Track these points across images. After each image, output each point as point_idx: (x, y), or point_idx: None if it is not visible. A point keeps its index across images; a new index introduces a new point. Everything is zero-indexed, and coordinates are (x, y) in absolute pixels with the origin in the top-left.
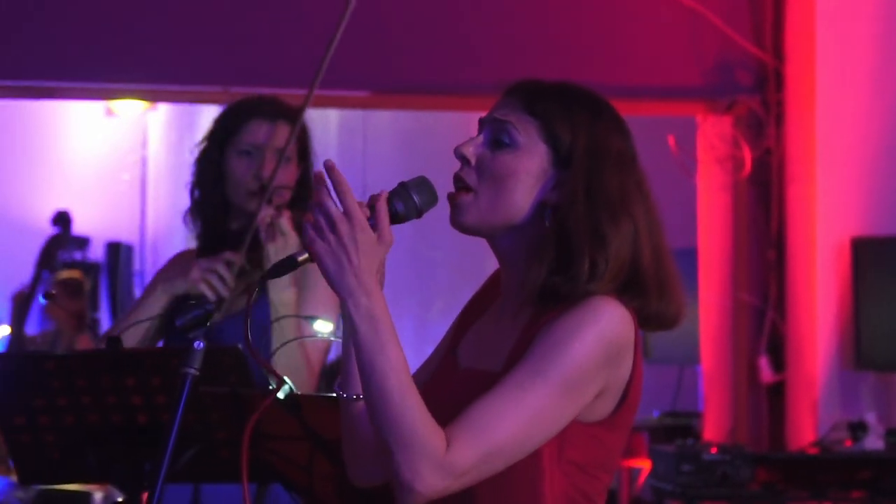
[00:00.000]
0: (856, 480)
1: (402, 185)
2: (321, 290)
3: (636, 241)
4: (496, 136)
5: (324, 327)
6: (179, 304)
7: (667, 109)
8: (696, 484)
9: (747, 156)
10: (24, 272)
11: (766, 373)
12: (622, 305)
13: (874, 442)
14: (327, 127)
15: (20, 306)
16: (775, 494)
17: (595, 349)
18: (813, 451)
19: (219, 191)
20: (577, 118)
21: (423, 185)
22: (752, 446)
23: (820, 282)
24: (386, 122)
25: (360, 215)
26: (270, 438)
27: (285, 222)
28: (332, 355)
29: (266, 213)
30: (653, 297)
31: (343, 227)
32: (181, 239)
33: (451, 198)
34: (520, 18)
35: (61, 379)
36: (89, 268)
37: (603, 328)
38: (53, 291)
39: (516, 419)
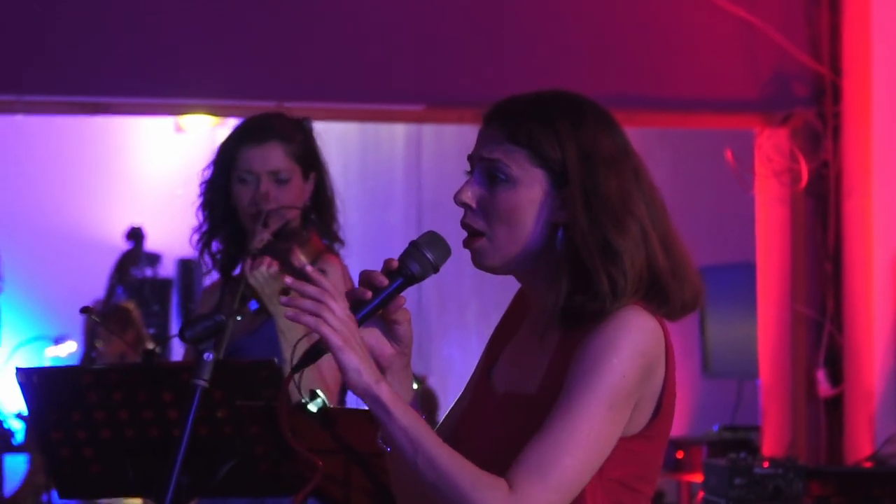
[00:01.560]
0: None
1: (413, 244)
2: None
3: (646, 239)
4: (490, 174)
5: None
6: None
7: (724, 122)
8: (749, 498)
9: (804, 168)
10: (94, 288)
11: (823, 386)
12: (649, 315)
13: None
14: (393, 141)
15: (91, 323)
16: None
17: (632, 364)
18: (867, 464)
19: (230, 214)
20: (560, 131)
21: (433, 240)
22: (810, 460)
23: (876, 294)
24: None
25: (355, 320)
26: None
27: (265, 271)
28: None
29: (259, 239)
30: (673, 290)
31: (357, 330)
32: None
33: (467, 245)
34: (576, 32)
35: (98, 393)
36: (161, 284)
37: (637, 341)
38: (92, 306)
39: (576, 448)
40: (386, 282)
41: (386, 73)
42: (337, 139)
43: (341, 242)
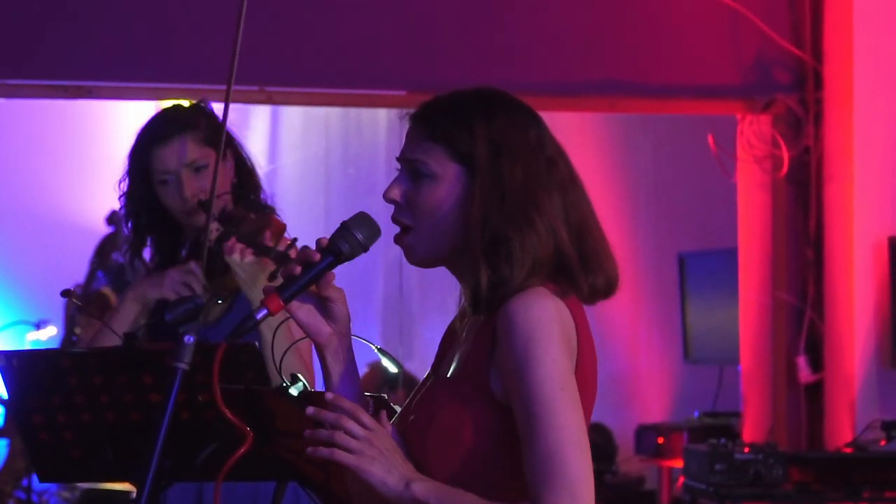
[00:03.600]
0: (890, 480)
1: (343, 225)
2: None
3: (553, 229)
4: (414, 171)
5: None
6: (168, 301)
7: (706, 108)
8: (729, 483)
9: (786, 155)
10: (76, 272)
11: (804, 372)
12: (552, 295)
13: None
14: (376, 127)
15: (72, 307)
16: (809, 494)
17: (554, 342)
18: (848, 450)
19: (162, 217)
20: (473, 128)
21: (363, 221)
22: (790, 446)
23: (857, 281)
24: None
25: (379, 426)
26: (286, 435)
27: (248, 258)
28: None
29: (210, 230)
30: (580, 276)
31: (378, 439)
32: None
33: (398, 241)
34: (559, 18)
35: (77, 376)
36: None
37: (546, 321)
38: (73, 289)
39: (564, 440)
40: (318, 257)
41: (368, 58)
42: (319, 125)
43: (272, 209)
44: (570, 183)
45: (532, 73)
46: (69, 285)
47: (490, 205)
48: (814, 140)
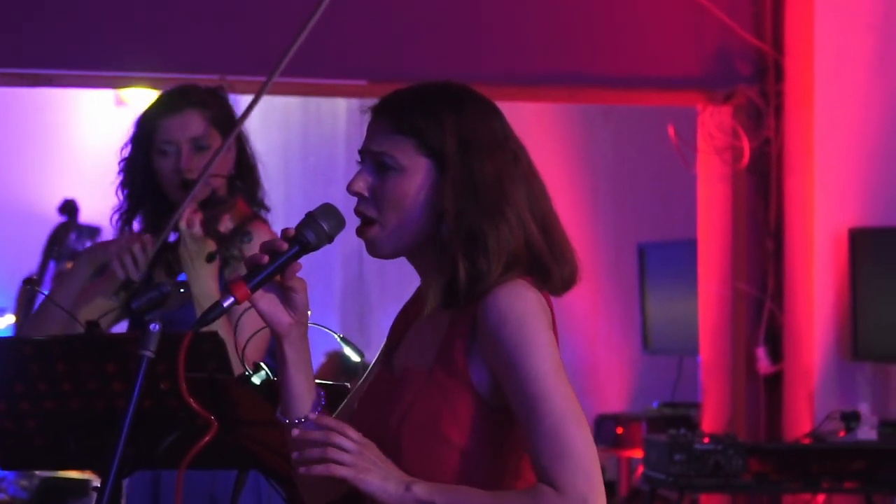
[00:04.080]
0: (849, 471)
1: (309, 215)
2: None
3: (523, 222)
4: (380, 164)
5: None
6: (136, 287)
7: (667, 99)
8: (689, 474)
9: (746, 146)
10: (31, 261)
11: (763, 363)
12: (532, 287)
13: (867, 433)
14: (336, 117)
15: (26, 295)
16: (768, 485)
17: (543, 328)
18: (806, 441)
19: (154, 190)
20: (443, 121)
21: (329, 211)
22: (749, 437)
23: (818, 272)
24: None
25: (366, 439)
26: (248, 424)
27: (196, 230)
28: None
29: (186, 210)
30: (553, 268)
31: (367, 450)
32: None
33: (360, 233)
34: (520, 9)
35: (40, 364)
36: None
37: (533, 310)
38: (33, 277)
39: (567, 419)
40: (286, 246)
41: (329, 47)
42: (279, 114)
43: (266, 209)
44: (531, 176)
45: (492, 63)
46: (24, 273)
47: (463, 199)
48: (774, 131)
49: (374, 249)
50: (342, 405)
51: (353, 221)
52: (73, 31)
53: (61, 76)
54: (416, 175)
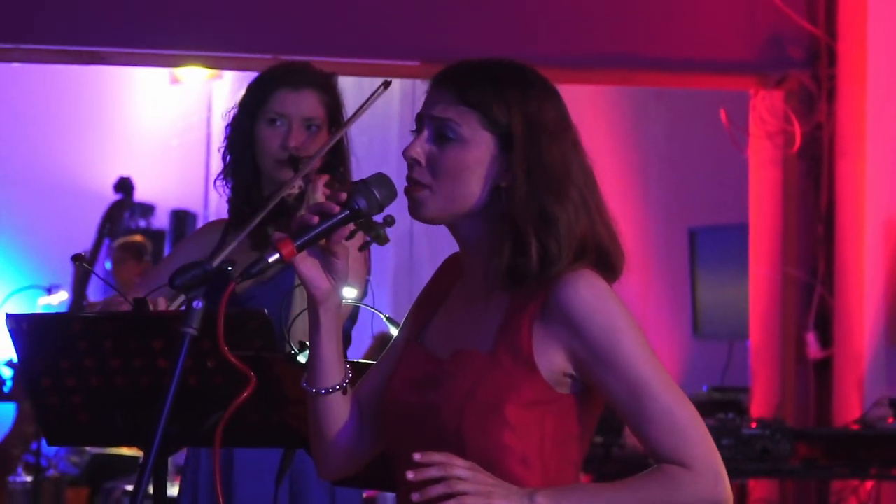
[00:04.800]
0: None
1: (362, 182)
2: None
3: (586, 206)
4: (440, 132)
5: (348, 293)
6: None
7: (719, 83)
8: (736, 458)
9: (797, 131)
10: (87, 238)
11: (813, 348)
12: (599, 276)
13: None
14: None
15: (81, 272)
16: (816, 470)
17: (628, 315)
18: (855, 427)
19: (249, 158)
20: (509, 98)
21: (382, 181)
22: (798, 422)
23: (868, 258)
24: None
25: (473, 463)
26: (294, 403)
27: (319, 192)
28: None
29: (295, 186)
30: (615, 255)
31: (480, 473)
32: None
33: (408, 192)
34: None
35: (88, 340)
36: (154, 235)
37: (614, 298)
38: (83, 254)
39: (674, 400)
40: (337, 209)
41: (382, 28)
42: None
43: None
44: (588, 165)
45: (546, 44)
46: (79, 250)
47: (533, 180)
48: (826, 116)
49: (418, 210)
50: (362, 380)
51: (402, 200)
52: (129, 10)
53: (116, 54)
54: (476, 148)
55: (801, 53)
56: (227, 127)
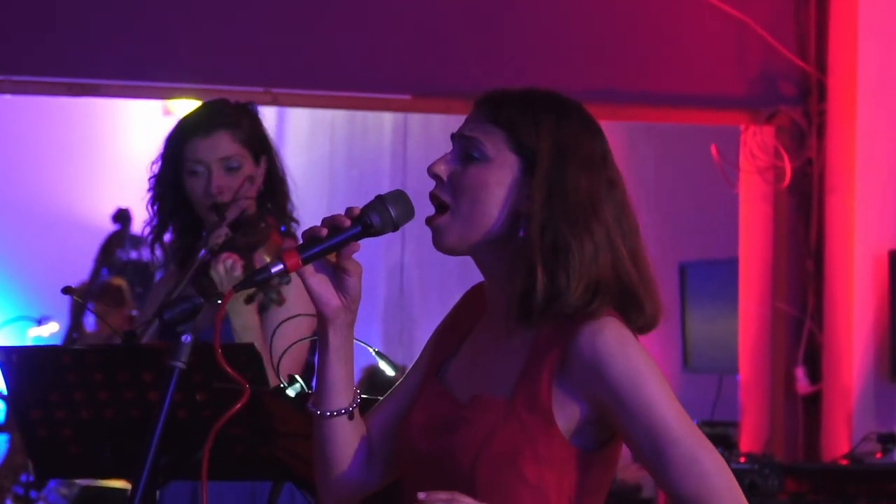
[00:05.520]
0: (885, 493)
1: (378, 198)
2: (295, 297)
3: (612, 245)
4: (466, 152)
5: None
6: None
7: (710, 118)
8: None
9: (788, 166)
10: (77, 269)
11: (802, 383)
12: (622, 324)
13: None
14: (381, 130)
15: (78, 303)
16: None
17: (653, 364)
18: (844, 462)
19: (180, 205)
20: (541, 122)
21: (399, 198)
22: (787, 457)
23: (857, 293)
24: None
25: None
26: (283, 436)
27: (221, 268)
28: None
29: (221, 234)
30: (646, 301)
31: None
32: None
33: (430, 222)
34: (565, 26)
35: (77, 373)
36: (145, 267)
37: (639, 349)
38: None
39: (701, 444)
40: (348, 223)
41: (374, 61)
42: (325, 126)
43: (297, 222)
44: (626, 207)
45: (536, 79)
46: (72, 282)
47: (551, 207)
48: (816, 152)
49: (440, 238)
50: (375, 409)
51: (421, 213)
52: (122, 42)
53: (107, 86)
54: (500, 169)
55: (792, 89)
56: (150, 179)
